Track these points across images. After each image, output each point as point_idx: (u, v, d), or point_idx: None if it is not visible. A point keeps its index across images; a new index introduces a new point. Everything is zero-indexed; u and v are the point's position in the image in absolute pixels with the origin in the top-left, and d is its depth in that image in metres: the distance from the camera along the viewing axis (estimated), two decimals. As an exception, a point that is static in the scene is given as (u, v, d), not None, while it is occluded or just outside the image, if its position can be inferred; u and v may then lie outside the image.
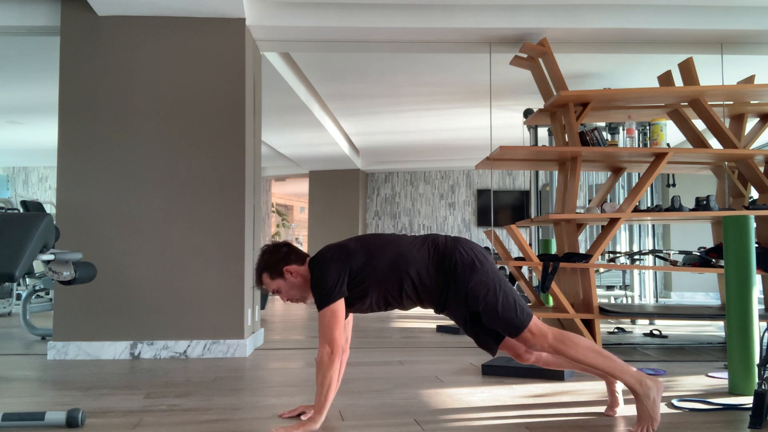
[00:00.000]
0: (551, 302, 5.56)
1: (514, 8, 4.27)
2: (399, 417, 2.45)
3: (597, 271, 6.48)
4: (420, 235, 2.39)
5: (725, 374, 3.25)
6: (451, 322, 5.63)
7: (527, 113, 6.13)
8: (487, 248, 2.49)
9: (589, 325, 4.01)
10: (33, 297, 5.15)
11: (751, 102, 4.50)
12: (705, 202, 4.19)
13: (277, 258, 2.33)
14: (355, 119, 7.62)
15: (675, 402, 2.66)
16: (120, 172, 4.02)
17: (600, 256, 5.55)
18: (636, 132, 4.45)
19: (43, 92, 6.04)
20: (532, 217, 5.84)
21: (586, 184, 9.20)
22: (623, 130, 5.47)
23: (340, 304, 2.21)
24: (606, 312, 4.04)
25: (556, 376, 3.15)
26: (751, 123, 4.89)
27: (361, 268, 2.24)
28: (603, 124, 5.60)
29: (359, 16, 4.24)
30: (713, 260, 4.26)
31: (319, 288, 2.21)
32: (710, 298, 9.15)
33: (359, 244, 2.30)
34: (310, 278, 2.28)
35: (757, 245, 4.24)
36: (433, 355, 3.91)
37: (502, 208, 10.53)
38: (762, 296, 4.47)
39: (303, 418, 2.28)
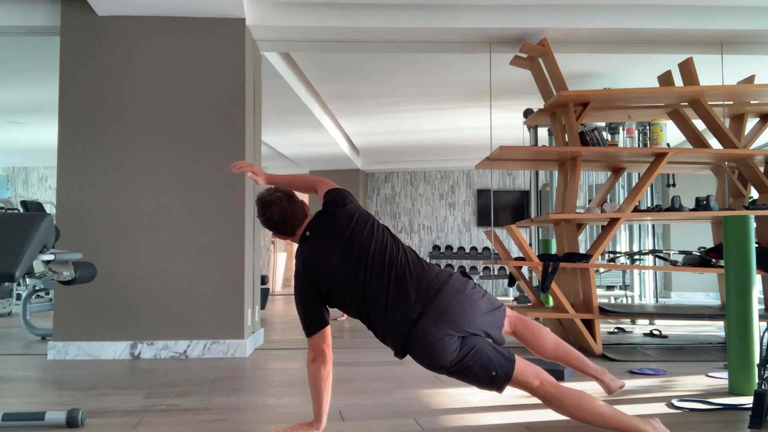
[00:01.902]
0: (551, 302, 5.55)
1: (514, 8, 4.27)
2: (399, 417, 2.45)
3: (597, 271, 6.48)
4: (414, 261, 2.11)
5: (725, 374, 3.25)
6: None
7: (527, 113, 6.12)
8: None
9: (589, 325, 4.01)
10: (33, 297, 5.15)
11: (751, 102, 4.50)
12: (705, 202, 4.19)
13: (291, 225, 2.25)
14: (355, 119, 7.62)
15: (675, 402, 2.66)
16: (120, 172, 4.02)
17: (600, 256, 5.55)
18: (636, 132, 4.45)
19: (43, 92, 6.04)
20: (532, 217, 5.85)
21: (586, 184, 9.20)
22: (623, 130, 5.46)
23: (323, 331, 2.17)
24: (606, 312, 4.04)
25: (555, 376, 3.15)
26: (751, 123, 4.88)
27: (330, 291, 2.13)
28: (603, 124, 5.60)
29: (359, 16, 4.24)
30: (713, 260, 4.25)
31: (299, 314, 2.19)
32: (710, 298, 9.14)
33: (332, 269, 2.11)
34: None
35: (757, 245, 4.24)
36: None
37: (502, 208, 10.52)
38: (762, 296, 4.47)
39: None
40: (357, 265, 2.09)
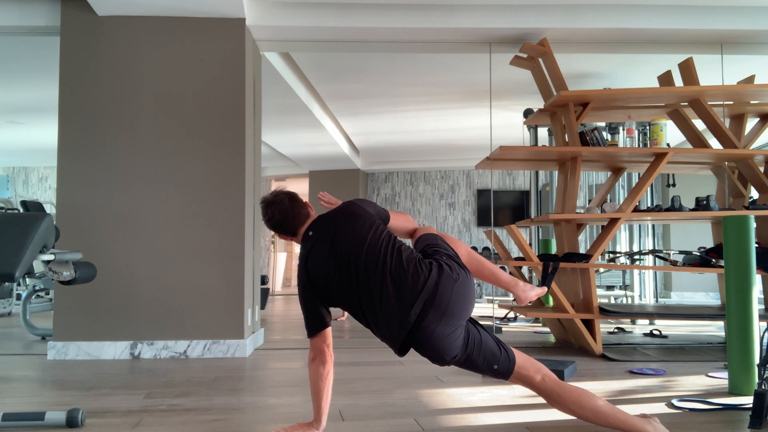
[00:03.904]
0: (551, 302, 5.56)
1: (514, 8, 4.27)
2: (399, 417, 2.45)
3: (597, 271, 6.49)
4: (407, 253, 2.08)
5: (725, 374, 3.25)
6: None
7: (527, 113, 6.13)
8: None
9: (589, 325, 4.01)
10: (33, 297, 5.15)
11: (751, 102, 4.50)
12: (705, 202, 4.19)
13: (292, 224, 2.26)
14: (355, 119, 7.62)
15: (675, 402, 2.66)
16: (120, 172, 4.02)
17: (600, 256, 5.55)
18: (636, 132, 4.45)
19: (43, 92, 6.04)
20: (532, 217, 5.85)
21: (586, 184, 9.20)
22: (623, 130, 5.46)
23: (324, 332, 2.17)
24: (606, 312, 4.04)
25: (555, 374, 3.14)
26: (751, 123, 4.88)
27: (327, 291, 2.13)
28: (603, 124, 5.60)
29: (359, 16, 4.24)
30: (713, 260, 4.26)
31: (303, 313, 2.20)
32: (710, 298, 9.14)
33: (328, 275, 2.10)
34: None
35: (757, 245, 4.24)
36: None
37: (502, 208, 10.52)
38: (762, 296, 4.47)
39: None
40: (351, 267, 2.07)
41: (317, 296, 2.15)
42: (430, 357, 2.05)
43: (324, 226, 2.19)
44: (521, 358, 2.07)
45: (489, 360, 2.05)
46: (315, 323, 2.16)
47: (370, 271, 2.04)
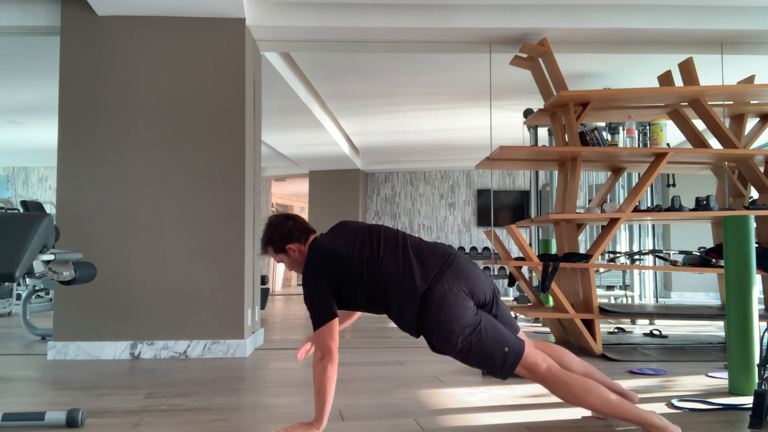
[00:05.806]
0: (551, 302, 5.56)
1: (514, 8, 4.27)
2: (399, 417, 2.45)
3: (597, 271, 6.49)
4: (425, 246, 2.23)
5: (725, 374, 3.25)
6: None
7: (527, 113, 6.13)
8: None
9: (589, 325, 4.01)
10: (33, 297, 5.15)
11: (751, 102, 4.50)
12: (705, 202, 4.19)
13: (280, 234, 2.30)
14: (355, 119, 7.62)
15: (675, 402, 2.66)
16: (120, 172, 4.02)
17: (600, 256, 5.55)
18: (636, 132, 4.45)
19: (43, 92, 6.04)
20: (532, 217, 5.85)
21: (586, 184, 9.19)
22: (623, 130, 5.47)
23: (333, 322, 2.17)
24: (606, 312, 4.04)
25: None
26: (751, 123, 4.88)
27: (345, 282, 2.18)
28: (603, 124, 5.60)
29: (359, 16, 4.24)
30: (713, 260, 4.25)
31: (309, 306, 2.19)
32: (710, 298, 9.15)
33: (351, 247, 2.20)
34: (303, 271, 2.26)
35: (757, 245, 4.24)
36: (433, 355, 3.90)
37: (502, 208, 10.53)
38: (762, 296, 4.47)
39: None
40: (373, 240, 2.22)
41: (331, 284, 2.18)
42: (439, 330, 2.06)
43: (336, 230, 2.33)
44: (529, 346, 2.10)
45: (501, 340, 2.06)
46: (325, 312, 2.15)
47: (390, 243, 2.21)
